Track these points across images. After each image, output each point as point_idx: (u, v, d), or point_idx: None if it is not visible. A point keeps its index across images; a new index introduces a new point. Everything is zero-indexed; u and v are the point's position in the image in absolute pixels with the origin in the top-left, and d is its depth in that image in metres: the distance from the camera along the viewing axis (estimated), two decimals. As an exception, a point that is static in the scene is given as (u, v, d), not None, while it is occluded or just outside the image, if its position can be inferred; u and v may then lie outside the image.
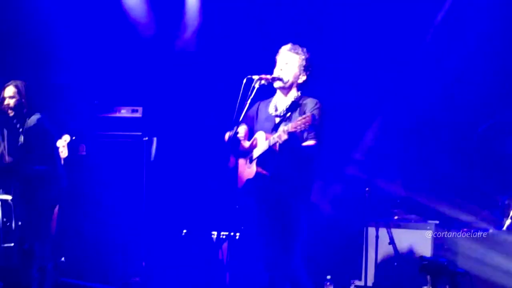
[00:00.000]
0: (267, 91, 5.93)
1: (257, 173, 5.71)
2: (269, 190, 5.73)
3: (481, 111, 8.22)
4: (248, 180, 5.79)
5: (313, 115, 5.40)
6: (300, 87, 5.93)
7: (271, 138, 5.58)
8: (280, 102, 5.96)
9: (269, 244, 5.82)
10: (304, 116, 5.38)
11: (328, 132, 5.91)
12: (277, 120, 5.90)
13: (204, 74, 9.04)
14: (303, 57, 5.90)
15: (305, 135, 5.70)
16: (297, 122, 5.36)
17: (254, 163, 5.74)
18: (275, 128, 5.81)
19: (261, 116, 6.01)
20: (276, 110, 5.94)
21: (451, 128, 8.35)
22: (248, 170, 5.82)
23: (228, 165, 5.96)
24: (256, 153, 5.74)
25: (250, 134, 5.98)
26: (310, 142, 5.70)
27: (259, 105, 6.06)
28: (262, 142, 5.73)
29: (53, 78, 8.80)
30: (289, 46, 5.95)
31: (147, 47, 9.13)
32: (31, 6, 8.77)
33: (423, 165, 8.41)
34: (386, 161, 8.41)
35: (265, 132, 5.82)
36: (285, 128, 5.42)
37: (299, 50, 5.92)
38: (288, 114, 5.84)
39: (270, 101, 6.04)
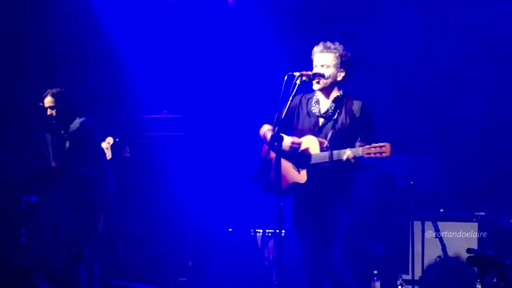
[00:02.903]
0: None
1: (308, 181, 5.63)
2: (316, 197, 5.68)
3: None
4: (295, 184, 5.70)
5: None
6: (340, 85, 5.79)
7: (339, 153, 5.47)
8: (322, 102, 5.79)
9: (308, 242, 5.78)
10: (381, 144, 5.29)
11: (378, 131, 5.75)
12: (321, 120, 5.75)
13: (243, 71, 9.04)
14: (338, 54, 5.68)
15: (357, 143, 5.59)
16: (371, 149, 5.30)
17: (305, 171, 5.64)
18: (320, 130, 5.71)
19: (303, 111, 5.85)
20: (319, 110, 5.78)
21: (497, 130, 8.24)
22: (296, 174, 5.71)
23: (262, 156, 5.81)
24: (312, 160, 5.62)
25: (288, 127, 5.85)
26: None
27: (301, 99, 5.88)
28: (316, 150, 5.61)
29: (94, 79, 8.90)
30: (321, 46, 5.73)
31: (186, 48, 9.18)
32: (70, 10, 8.87)
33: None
34: (429, 156, 8.34)
35: (307, 129, 5.74)
36: (355, 152, 5.38)
37: (332, 47, 5.70)
38: (335, 116, 5.69)
39: (311, 97, 5.86)
